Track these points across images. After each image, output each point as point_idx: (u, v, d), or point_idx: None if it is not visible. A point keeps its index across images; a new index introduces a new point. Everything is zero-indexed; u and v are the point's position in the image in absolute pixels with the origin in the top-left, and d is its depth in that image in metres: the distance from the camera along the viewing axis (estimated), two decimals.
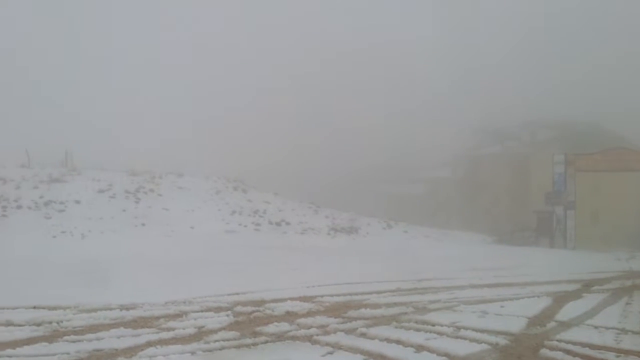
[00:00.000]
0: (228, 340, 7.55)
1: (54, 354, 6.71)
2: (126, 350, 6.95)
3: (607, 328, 8.47)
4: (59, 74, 48.42)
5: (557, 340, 7.66)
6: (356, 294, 11.47)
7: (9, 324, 8.26)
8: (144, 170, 29.67)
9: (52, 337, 7.56)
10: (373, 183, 50.10)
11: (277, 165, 43.12)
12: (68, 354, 6.74)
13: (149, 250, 19.49)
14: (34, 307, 9.43)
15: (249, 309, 9.54)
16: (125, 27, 56.66)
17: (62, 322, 8.41)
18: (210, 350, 7.07)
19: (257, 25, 51.25)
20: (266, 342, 7.52)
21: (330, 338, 7.68)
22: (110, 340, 7.40)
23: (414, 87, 52.19)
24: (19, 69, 48.57)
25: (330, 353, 7.04)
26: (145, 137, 40.96)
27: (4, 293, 10.97)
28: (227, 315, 9.05)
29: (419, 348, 7.17)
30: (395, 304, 10.24)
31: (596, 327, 8.52)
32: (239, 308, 9.59)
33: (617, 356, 7.04)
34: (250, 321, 8.77)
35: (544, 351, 7.16)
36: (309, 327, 8.30)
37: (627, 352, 7.17)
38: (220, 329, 8.13)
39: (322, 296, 11.01)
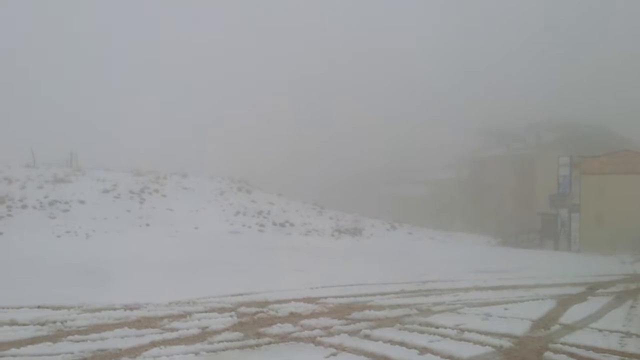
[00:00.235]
0: (232, 341, 7.55)
1: (58, 354, 6.72)
2: (130, 351, 6.96)
3: (611, 331, 8.44)
4: (62, 75, 48.65)
5: (561, 344, 7.64)
6: (360, 295, 11.46)
7: (13, 323, 8.29)
8: (149, 170, 29.73)
9: (56, 337, 7.58)
10: (377, 185, 50.10)
11: (281, 167, 43.19)
12: (72, 353, 6.75)
13: (153, 251, 19.51)
14: (38, 307, 9.45)
15: (253, 309, 9.55)
16: (126, 28, 56.99)
17: (66, 321, 8.43)
18: (214, 351, 7.07)
19: (259, 27, 51.35)
20: (270, 343, 7.52)
21: (334, 339, 7.67)
22: (114, 340, 7.41)
23: (418, 89, 52.22)
24: (20, 69, 48.78)
25: (334, 354, 7.03)
26: (148, 138, 41.07)
27: (8, 292, 11.00)
28: (231, 316, 9.05)
29: (423, 350, 7.16)
30: (399, 306, 10.23)
31: (600, 331, 8.49)
32: (242, 309, 9.60)
33: (622, 359, 7.02)
34: (254, 322, 8.78)
35: (548, 354, 7.14)
36: (313, 329, 8.30)
37: (631, 356, 7.15)
38: (224, 330, 8.13)
39: (326, 297, 11.01)
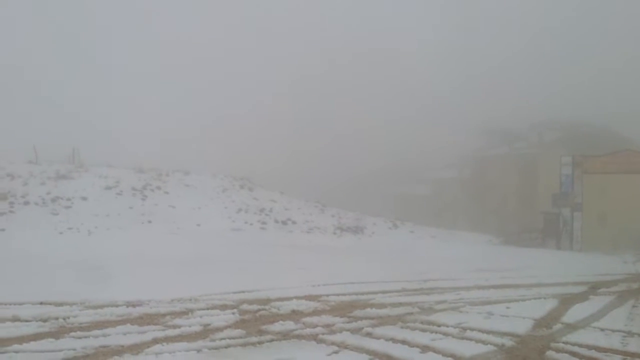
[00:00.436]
0: (234, 338, 7.56)
1: (60, 350, 6.73)
2: (132, 347, 6.97)
3: (613, 330, 8.43)
4: (63, 74, 48.71)
5: (563, 343, 7.63)
6: (362, 293, 11.47)
7: (15, 319, 8.29)
8: (151, 167, 29.77)
9: (58, 333, 7.59)
10: (379, 184, 50.12)
11: (283, 166, 43.23)
12: (74, 350, 6.76)
13: (155, 248, 19.54)
14: (41, 303, 9.46)
15: (255, 307, 9.55)
16: (126, 28, 56.95)
17: (68, 318, 8.44)
18: (216, 348, 7.07)
19: (260, 28, 51.36)
20: (272, 340, 7.52)
21: (336, 337, 7.67)
22: (117, 337, 7.41)
23: (420, 90, 52.19)
24: (22, 69, 48.86)
25: (336, 352, 7.03)
26: (149, 137, 41.11)
27: (10, 289, 11.01)
28: (233, 314, 9.05)
29: (425, 348, 7.15)
30: (401, 304, 10.23)
31: (602, 330, 8.48)
32: (244, 306, 9.60)
33: (624, 359, 7.01)
34: (256, 319, 8.78)
35: (550, 353, 7.13)
36: (315, 326, 8.30)
37: (633, 355, 7.14)
38: (226, 327, 8.13)
39: (327, 295, 11.01)
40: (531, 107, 46.37)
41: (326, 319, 8.86)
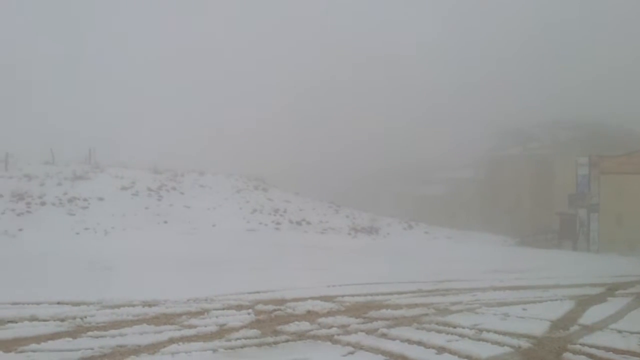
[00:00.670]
0: (249, 338, 7.58)
1: (78, 349, 6.78)
2: (149, 347, 7.01)
3: (631, 332, 8.34)
4: (79, 74, 49.06)
5: (580, 344, 7.57)
6: (377, 294, 11.45)
7: (33, 319, 8.37)
8: (166, 168, 29.93)
9: (76, 333, 7.65)
10: (393, 184, 49.96)
11: (298, 166, 43.21)
12: (92, 349, 6.80)
13: (170, 248, 19.64)
14: (58, 303, 9.54)
15: (270, 307, 9.57)
16: (140, 30, 57.22)
17: (85, 317, 8.50)
18: (232, 348, 7.09)
19: (275, 28, 51.37)
20: (287, 340, 7.53)
21: (351, 338, 7.66)
22: (133, 337, 7.46)
23: (434, 90, 51.95)
24: (38, 70, 49.32)
25: (352, 353, 7.02)
26: (163, 137, 41.29)
27: (28, 288, 11.11)
28: (249, 314, 9.08)
29: (441, 350, 7.13)
30: (417, 305, 10.20)
31: (620, 332, 8.40)
32: (260, 306, 9.62)
33: None
34: (271, 320, 8.80)
35: (567, 355, 7.08)
36: (330, 327, 8.30)
37: None
38: (241, 327, 8.15)
39: (342, 296, 11.01)
40: (545, 106, 45.97)
41: (341, 319, 8.86)
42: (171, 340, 7.31)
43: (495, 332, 8.05)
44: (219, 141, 43.61)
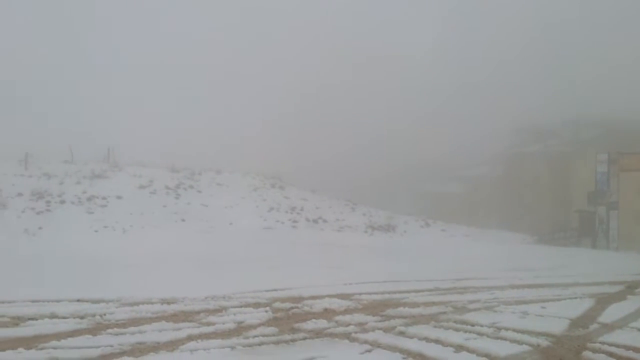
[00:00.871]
0: (267, 335, 7.60)
1: (98, 346, 6.83)
2: (168, 344, 7.06)
3: None
4: (97, 75, 49.46)
5: (600, 343, 7.50)
6: (394, 292, 11.43)
7: (53, 316, 8.46)
8: (184, 166, 30.10)
9: (95, 330, 7.72)
10: (410, 182, 49.82)
11: (314, 165, 43.22)
12: (111, 346, 6.86)
13: (188, 246, 19.77)
14: (78, 301, 9.63)
15: (287, 305, 9.59)
16: (147, 26, 57.49)
17: (105, 315, 8.58)
18: (249, 346, 7.12)
19: (282, 28, 51.36)
20: (305, 338, 7.54)
21: (369, 336, 7.66)
22: (152, 334, 7.51)
23: (452, 85, 51.68)
24: (56, 68, 49.76)
25: (369, 351, 7.02)
26: (182, 136, 41.50)
27: (48, 286, 11.24)
28: (266, 311, 9.11)
29: (459, 348, 7.10)
30: (434, 303, 10.17)
31: None
32: (277, 304, 9.65)
33: None
34: (288, 317, 8.82)
35: (587, 353, 7.01)
36: (347, 325, 8.30)
37: None
38: (259, 325, 8.18)
39: (360, 294, 11.00)
40: (562, 103, 45.50)
41: (358, 317, 8.86)
42: (190, 338, 7.35)
43: (514, 330, 8.00)
44: (235, 140, 43.74)
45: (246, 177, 31.05)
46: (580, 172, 36.33)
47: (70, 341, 7.11)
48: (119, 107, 46.62)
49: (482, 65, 53.34)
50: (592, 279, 14.26)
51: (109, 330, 7.67)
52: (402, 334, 7.84)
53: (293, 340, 7.41)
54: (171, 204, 25.34)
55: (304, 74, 48.70)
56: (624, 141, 34.93)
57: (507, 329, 8.04)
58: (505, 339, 7.57)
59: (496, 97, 50.47)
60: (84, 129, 37.68)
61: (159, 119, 45.95)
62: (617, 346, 7.30)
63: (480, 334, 7.87)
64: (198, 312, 9.01)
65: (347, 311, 9.39)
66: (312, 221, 26.76)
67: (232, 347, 6.99)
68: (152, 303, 9.55)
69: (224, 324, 8.16)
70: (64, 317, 8.40)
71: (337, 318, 8.76)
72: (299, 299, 10.29)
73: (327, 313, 9.20)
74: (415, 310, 9.42)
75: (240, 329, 7.93)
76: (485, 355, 6.79)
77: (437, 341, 7.39)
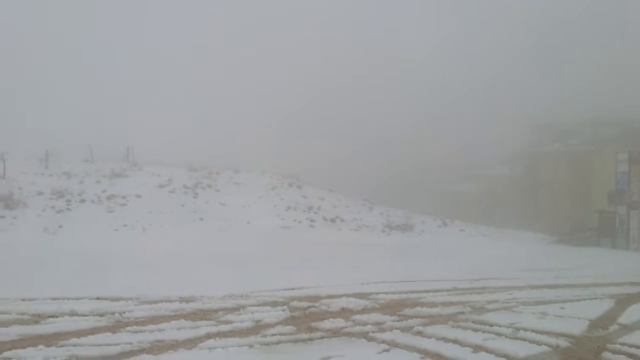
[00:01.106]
0: (284, 334, 7.63)
1: (117, 344, 6.90)
2: (186, 342, 7.11)
3: None
4: (123, 73, 49.90)
5: (620, 344, 7.44)
6: (412, 292, 11.40)
7: (73, 313, 8.55)
8: (202, 166, 30.25)
9: (115, 327, 7.80)
10: (428, 181, 49.61)
11: (331, 164, 43.22)
12: (130, 344, 6.92)
13: (206, 245, 19.88)
14: (97, 298, 9.72)
15: (305, 304, 9.61)
16: (172, 25, 57.87)
17: (124, 313, 8.66)
18: (267, 344, 7.15)
19: (291, 28, 51.39)
20: (322, 337, 7.56)
21: (386, 335, 7.66)
22: (171, 332, 7.57)
23: (470, 84, 51.39)
24: (80, 69, 50.29)
25: (386, 350, 7.02)
26: (199, 134, 41.70)
27: (68, 284, 11.36)
28: (283, 310, 9.13)
29: (477, 348, 7.07)
30: (452, 303, 10.13)
31: None
32: (294, 303, 9.67)
33: None
34: (306, 316, 8.84)
35: (607, 354, 6.97)
36: (365, 324, 8.31)
37: None
38: (276, 324, 8.22)
39: (377, 293, 10.99)
40: (585, 101, 45.02)
41: (376, 317, 8.86)
42: (208, 336, 7.40)
43: (533, 330, 7.95)
44: (252, 139, 43.87)
45: (264, 176, 31.11)
46: (600, 171, 35.94)
47: (90, 339, 7.19)
48: (138, 107, 47.02)
49: (500, 63, 52.98)
50: (612, 280, 14.12)
51: (128, 328, 7.75)
52: (419, 333, 7.83)
53: (310, 339, 7.43)
54: (189, 203, 25.48)
55: (319, 75, 48.77)
56: None
57: (526, 330, 7.99)
58: (524, 340, 7.53)
59: (514, 96, 50.16)
60: (103, 129, 38.08)
61: (177, 119, 46.25)
62: (638, 347, 7.25)
63: (498, 334, 7.84)
64: (216, 311, 9.06)
65: (364, 310, 9.39)
66: (330, 220, 26.76)
67: (250, 346, 7.03)
68: (170, 301, 9.63)
69: (241, 322, 8.20)
70: (84, 315, 8.49)
71: (355, 317, 8.77)
72: (317, 298, 10.30)
73: (344, 312, 9.20)
74: (433, 310, 9.40)
75: (258, 328, 7.96)
76: (504, 356, 6.76)
77: (455, 341, 7.37)
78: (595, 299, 11.03)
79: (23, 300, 9.51)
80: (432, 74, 50.55)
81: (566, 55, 52.37)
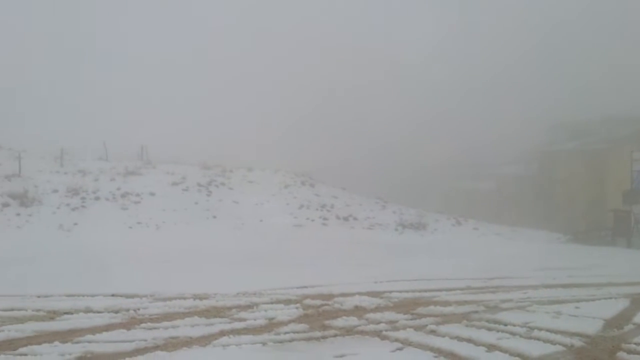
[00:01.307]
0: (298, 332, 7.64)
1: (132, 341, 6.95)
2: (200, 339, 7.15)
3: None
4: (137, 72, 50.21)
5: (635, 344, 7.38)
6: (425, 290, 11.38)
7: (88, 310, 8.63)
8: (216, 164, 30.35)
9: (129, 324, 7.85)
10: (442, 180, 49.46)
11: (344, 163, 43.24)
12: (145, 340, 6.97)
13: (220, 242, 19.94)
14: (112, 295, 9.80)
15: (318, 302, 9.62)
16: (183, 23, 58.20)
17: (139, 309, 8.72)
18: (280, 342, 7.17)
19: (300, 31, 51.49)
20: (335, 335, 7.56)
21: (400, 334, 7.65)
22: (185, 329, 7.62)
23: (487, 82, 51.19)
24: (96, 69, 50.66)
25: (400, 349, 7.01)
26: (213, 134, 41.86)
27: (83, 281, 11.47)
28: (297, 308, 9.15)
29: (491, 347, 7.04)
30: (466, 302, 10.09)
31: None
32: (308, 301, 9.69)
33: None
34: (319, 314, 8.85)
35: (621, 354, 6.91)
36: (378, 322, 8.30)
37: None
38: (290, 321, 8.23)
39: (390, 292, 10.98)
40: (601, 100, 44.67)
41: (389, 315, 8.85)
42: (222, 333, 7.43)
43: (547, 330, 7.91)
44: (265, 138, 43.96)
45: (277, 174, 31.16)
46: (615, 170, 35.63)
47: (105, 335, 7.26)
48: (152, 106, 47.29)
49: (516, 61, 52.75)
50: (627, 279, 14.01)
51: (143, 325, 7.80)
52: (433, 332, 7.81)
53: (324, 337, 7.44)
54: (203, 201, 25.57)
55: (329, 77, 48.87)
56: None
57: (540, 329, 7.95)
58: (538, 339, 7.49)
59: (529, 94, 49.90)
60: (118, 127, 38.32)
61: (191, 117, 46.46)
62: None
63: (512, 333, 7.80)
64: (230, 308, 9.09)
65: (377, 309, 9.38)
66: (343, 219, 26.75)
67: (264, 343, 7.05)
68: (184, 298, 9.68)
69: (255, 320, 8.23)
70: (99, 312, 8.56)
71: (368, 316, 8.77)
72: (330, 296, 10.31)
73: (357, 310, 9.20)
74: (447, 309, 9.37)
75: (271, 325, 7.98)
76: (518, 355, 6.73)
77: (469, 340, 7.34)
78: (610, 298, 10.94)
79: (39, 297, 9.60)
80: (440, 74, 50.50)
81: (566, 55, 52.09)
